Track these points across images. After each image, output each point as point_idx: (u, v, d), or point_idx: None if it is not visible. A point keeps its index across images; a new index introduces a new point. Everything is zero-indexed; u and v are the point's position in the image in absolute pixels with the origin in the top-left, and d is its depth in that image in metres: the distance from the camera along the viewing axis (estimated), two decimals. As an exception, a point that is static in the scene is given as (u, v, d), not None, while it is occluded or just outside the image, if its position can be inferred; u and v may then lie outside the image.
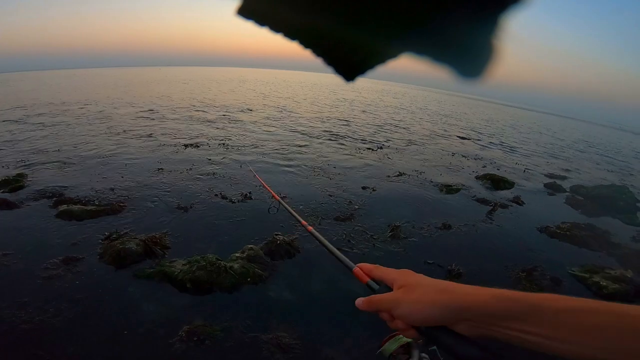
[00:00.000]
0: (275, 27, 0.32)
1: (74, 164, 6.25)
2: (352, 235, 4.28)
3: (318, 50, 0.33)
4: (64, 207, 4.33)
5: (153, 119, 10.84)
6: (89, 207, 4.38)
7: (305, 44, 0.33)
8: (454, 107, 32.94)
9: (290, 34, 0.32)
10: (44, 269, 3.20)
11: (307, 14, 0.30)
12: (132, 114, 11.61)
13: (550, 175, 8.93)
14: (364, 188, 5.86)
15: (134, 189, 5.19)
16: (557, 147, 15.54)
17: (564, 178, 8.86)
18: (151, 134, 8.73)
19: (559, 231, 5.23)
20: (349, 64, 0.34)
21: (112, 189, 5.09)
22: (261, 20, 0.32)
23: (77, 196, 4.77)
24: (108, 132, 8.82)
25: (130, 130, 9.02)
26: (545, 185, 7.96)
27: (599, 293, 3.53)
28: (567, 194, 7.59)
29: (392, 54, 0.32)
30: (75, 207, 4.31)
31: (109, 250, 3.43)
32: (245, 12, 0.31)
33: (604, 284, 3.59)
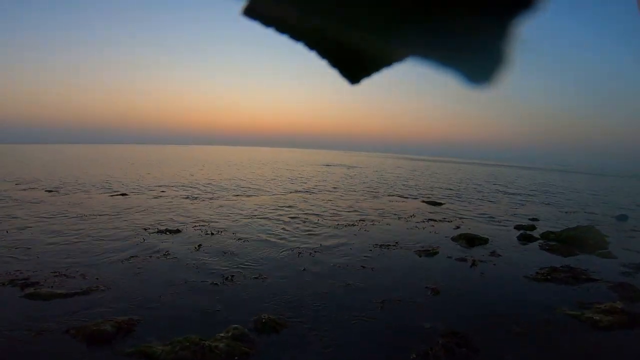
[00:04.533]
0: (281, 28, 0.33)
1: (42, 247, 6.14)
2: (339, 309, 4.15)
3: (323, 51, 0.34)
4: (31, 289, 4.25)
5: (124, 200, 10.53)
6: (59, 290, 4.28)
7: (311, 44, 0.33)
8: (398, 169, 34.17)
9: (296, 35, 0.33)
10: (12, 347, 3.16)
11: (315, 13, 0.30)
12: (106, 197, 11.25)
13: (518, 227, 9.23)
14: (348, 265, 5.79)
15: (106, 272, 5.05)
16: (517, 197, 16.25)
17: (532, 228, 9.17)
18: (124, 219, 8.40)
19: (539, 276, 5.33)
20: (355, 65, 0.34)
21: (83, 274, 4.92)
22: (267, 21, 0.32)
23: (46, 280, 4.62)
24: (80, 214, 8.60)
25: (104, 214, 8.66)
26: (517, 237, 8.21)
27: (596, 327, 3.53)
28: (539, 241, 7.83)
29: (400, 57, 0.32)
30: (43, 290, 4.24)
31: (82, 332, 3.35)
32: (251, 12, 0.32)
33: (597, 318, 3.61)
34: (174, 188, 14.55)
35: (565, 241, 7.56)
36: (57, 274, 4.91)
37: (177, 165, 31.29)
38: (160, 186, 14.96)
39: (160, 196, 12.38)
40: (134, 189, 13.90)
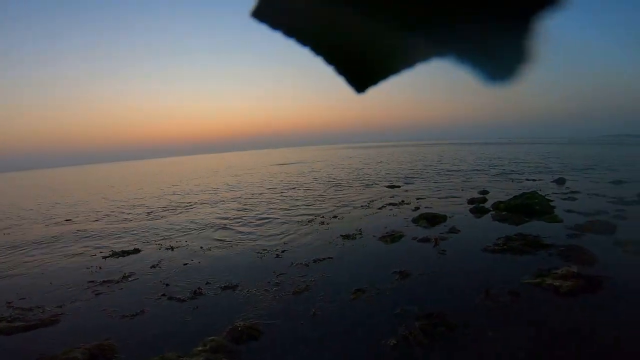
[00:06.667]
0: (289, 32, 0.31)
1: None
2: (314, 306, 4.13)
3: (331, 57, 0.32)
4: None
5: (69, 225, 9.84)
6: (18, 324, 4.07)
7: (318, 50, 0.32)
8: (350, 158, 34.79)
9: (304, 39, 0.31)
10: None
11: (331, 12, 0.28)
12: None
13: (471, 201, 9.68)
14: (315, 261, 5.76)
15: (66, 301, 4.80)
16: (466, 172, 17.05)
17: (484, 200, 9.64)
18: (73, 246, 7.87)
19: (497, 247, 5.60)
20: (362, 72, 0.32)
21: (39, 305, 4.66)
22: (275, 24, 0.31)
23: (1, 314, 4.40)
24: (24, 244, 7.87)
25: (51, 243, 8.05)
26: (471, 210, 8.60)
27: (558, 293, 3.79)
28: (491, 212, 8.26)
29: (410, 62, 0.31)
30: (1, 325, 4.07)
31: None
32: (259, 15, 0.31)
33: (558, 284, 3.86)
34: (122, 207, 13.86)
35: (514, 209, 8.00)
36: (12, 307, 4.62)
37: (124, 183, 29.85)
38: (108, 207, 14.20)
39: (108, 216, 11.77)
40: (79, 213, 13.08)
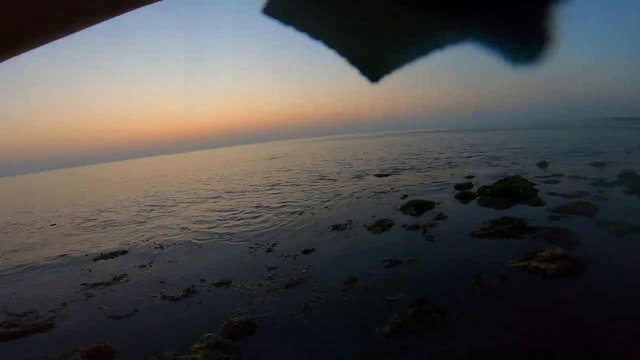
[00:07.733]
0: (300, 27, 0.31)
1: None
2: (307, 297, 4.20)
3: (343, 50, 0.32)
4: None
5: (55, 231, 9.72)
6: (13, 329, 4.10)
7: (330, 43, 0.32)
8: (337, 149, 34.71)
9: (315, 34, 0.31)
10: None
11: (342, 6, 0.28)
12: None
13: (458, 187, 9.81)
14: (306, 252, 5.81)
15: (59, 306, 4.80)
16: (452, 158, 17.22)
17: (470, 186, 9.78)
18: (60, 249, 7.80)
19: (484, 232, 5.72)
20: (376, 63, 0.32)
21: (33, 311, 4.66)
22: (287, 20, 0.31)
23: None
24: (10, 246, 7.80)
25: (38, 247, 7.97)
26: (457, 196, 8.74)
27: (544, 275, 3.91)
28: (477, 197, 8.39)
29: (425, 50, 0.30)
30: None
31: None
32: (270, 11, 0.31)
33: (543, 266, 3.97)
34: (108, 209, 13.70)
35: (499, 193, 8.14)
36: (7, 312, 4.63)
37: (108, 184, 29.40)
38: (93, 209, 14.02)
39: (93, 219, 11.63)
40: (63, 216, 12.87)
